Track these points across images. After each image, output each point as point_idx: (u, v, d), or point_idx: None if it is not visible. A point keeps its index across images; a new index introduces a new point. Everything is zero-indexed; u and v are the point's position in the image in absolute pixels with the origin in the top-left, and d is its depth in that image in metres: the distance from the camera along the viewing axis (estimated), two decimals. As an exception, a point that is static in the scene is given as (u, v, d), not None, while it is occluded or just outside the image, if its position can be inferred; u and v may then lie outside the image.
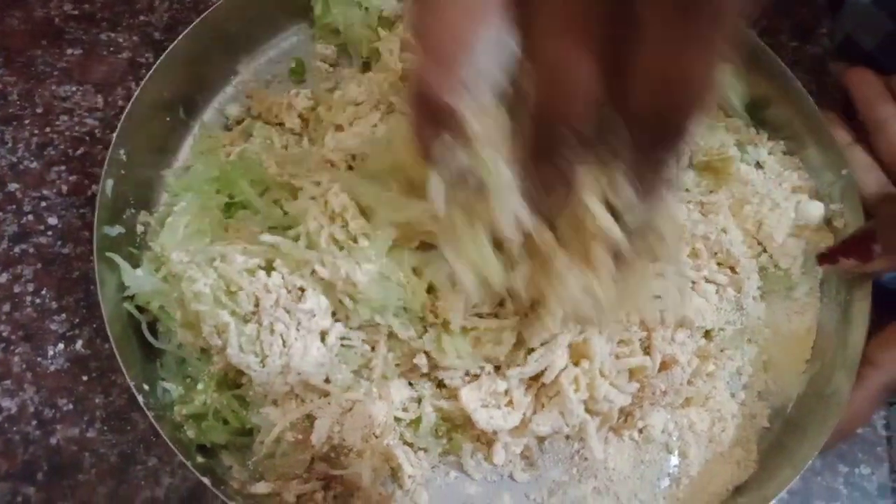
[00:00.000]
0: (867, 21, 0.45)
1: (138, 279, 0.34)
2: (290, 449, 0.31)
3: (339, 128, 0.37)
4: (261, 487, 0.32)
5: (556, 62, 0.22)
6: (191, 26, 0.40)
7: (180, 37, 0.40)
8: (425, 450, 0.34)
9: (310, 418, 0.32)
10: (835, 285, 0.35)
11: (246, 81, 0.43)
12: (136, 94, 0.38)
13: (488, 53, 0.23)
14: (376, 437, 0.31)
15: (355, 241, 0.31)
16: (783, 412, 0.35)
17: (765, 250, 0.36)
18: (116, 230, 0.36)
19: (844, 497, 0.35)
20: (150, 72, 0.39)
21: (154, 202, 0.39)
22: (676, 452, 0.34)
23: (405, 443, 0.34)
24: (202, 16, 0.40)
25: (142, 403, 0.32)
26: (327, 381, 0.32)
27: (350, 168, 0.36)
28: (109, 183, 0.36)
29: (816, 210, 0.36)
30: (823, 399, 0.32)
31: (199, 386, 0.33)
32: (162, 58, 0.39)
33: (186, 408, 0.33)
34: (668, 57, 0.21)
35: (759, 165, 0.37)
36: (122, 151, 0.37)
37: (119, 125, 0.37)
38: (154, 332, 0.35)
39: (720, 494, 0.33)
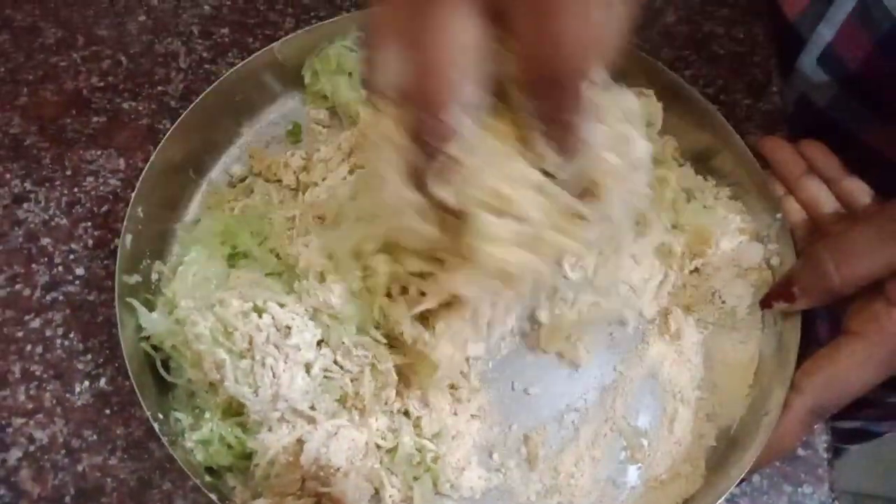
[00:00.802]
0: (816, 83, 0.49)
1: (153, 321, 0.38)
2: (283, 469, 0.35)
3: (315, 184, 0.42)
4: (260, 503, 0.35)
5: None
6: (200, 96, 0.45)
7: (191, 105, 0.44)
8: (403, 474, 0.37)
9: (300, 442, 0.35)
10: (772, 317, 0.39)
11: (248, 143, 0.48)
12: (151, 158, 0.42)
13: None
14: (360, 459, 0.35)
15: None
16: (728, 432, 0.38)
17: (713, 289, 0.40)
18: (134, 278, 0.41)
19: None
20: (164, 139, 0.43)
21: (167, 252, 0.43)
22: (637, 465, 0.38)
23: (386, 467, 0.37)
24: (211, 86, 0.45)
25: (157, 431, 0.36)
26: (312, 408, 0.36)
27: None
28: (129, 237, 0.40)
29: (756, 252, 0.39)
30: (759, 419, 0.36)
31: (207, 415, 0.36)
32: (174, 125, 0.44)
33: (196, 434, 0.37)
34: (539, 23, 0.23)
35: (706, 208, 0.42)
36: (139, 209, 0.41)
37: (137, 185, 0.42)
38: (167, 368, 0.39)
39: (671, 504, 0.36)
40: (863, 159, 0.43)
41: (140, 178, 0.42)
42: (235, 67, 0.46)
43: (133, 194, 0.42)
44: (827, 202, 0.40)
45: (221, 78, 0.46)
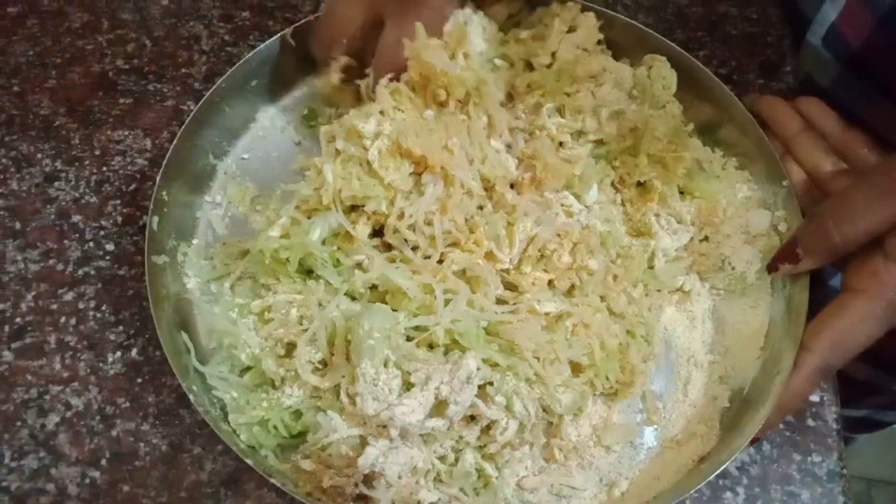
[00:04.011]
0: (820, 62, 0.50)
1: (214, 317, 0.40)
2: (335, 452, 0.36)
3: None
4: (306, 465, 0.36)
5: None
6: (222, 78, 0.46)
7: (213, 87, 0.46)
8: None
9: (364, 444, 0.36)
10: (781, 281, 0.40)
11: (262, 129, 0.49)
12: (174, 143, 0.44)
13: None
14: (408, 476, 0.35)
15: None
16: (740, 393, 0.39)
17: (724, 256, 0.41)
18: (162, 259, 0.42)
19: (797, 481, 0.39)
20: (185, 123, 0.44)
21: (190, 235, 0.45)
22: (654, 427, 0.39)
23: (439, 479, 0.37)
24: (231, 70, 0.46)
25: (193, 402, 0.37)
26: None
27: None
28: (155, 219, 0.42)
29: (763, 218, 0.40)
30: (771, 379, 0.37)
31: (264, 404, 0.38)
32: (198, 106, 0.45)
33: (242, 418, 0.38)
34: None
35: (716, 177, 0.43)
36: (164, 193, 0.43)
37: (160, 171, 0.43)
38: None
39: (687, 465, 0.37)
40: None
41: (163, 164, 0.43)
42: (255, 50, 0.47)
43: (157, 179, 0.43)
44: (824, 159, 0.41)
45: (240, 62, 0.47)
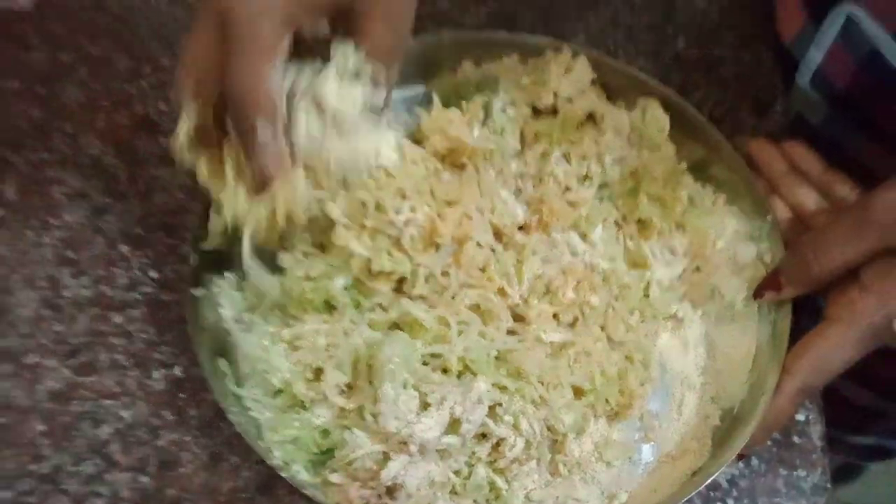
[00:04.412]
0: (809, 102, 0.53)
1: (248, 345, 0.43)
2: (362, 472, 0.39)
3: None
4: (335, 478, 0.39)
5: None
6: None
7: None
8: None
9: (386, 458, 0.39)
10: (766, 308, 0.44)
11: None
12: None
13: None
14: (426, 488, 0.39)
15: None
16: (731, 412, 0.42)
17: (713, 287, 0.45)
18: (201, 292, 0.45)
19: (783, 494, 0.42)
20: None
21: (224, 270, 0.47)
22: (651, 444, 0.43)
23: (454, 491, 0.40)
24: None
25: (232, 421, 0.40)
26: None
27: None
28: (194, 256, 0.45)
29: (750, 250, 0.44)
30: (758, 399, 0.40)
31: (296, 423, 0.41)
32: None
33: (275, 436, 0.41)
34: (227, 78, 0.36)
35: (707, 212, 0.47)
36: (200, 234, 0.45)
37: (199, 215, 0.46)
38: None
39: (681, 478, 0.41)
40: (855, 175, 0.46)
41: (201, 208, 0.46)
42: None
43: (196, 221, 0.46)
44: (808, 197, 0.44)
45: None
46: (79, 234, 0.52)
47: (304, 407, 0.43)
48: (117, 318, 0.49)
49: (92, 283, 0.50)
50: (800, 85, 0.53)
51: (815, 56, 0.50)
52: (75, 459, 0.44)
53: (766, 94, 0.58)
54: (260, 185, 0.38)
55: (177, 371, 0.47)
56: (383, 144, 0.42)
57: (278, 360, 0.43)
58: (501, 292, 0.43)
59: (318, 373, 0.42)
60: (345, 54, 0.38)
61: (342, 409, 0.42)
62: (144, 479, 0.43)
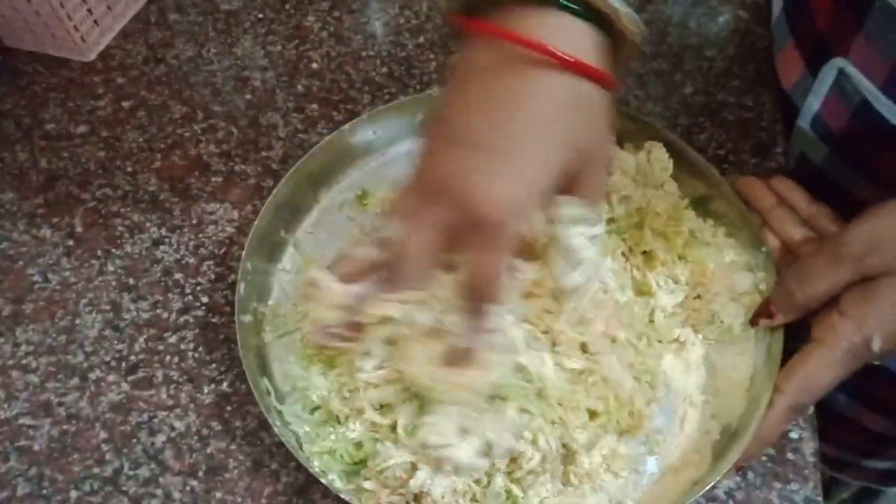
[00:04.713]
0: (810, 143, 0.56)
1: (290, 365, 0.47)
2: (392, 480, 0.43)
3: None
4: (368, 485, 0.43)
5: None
6: (291, 170, 0.55)
7: (284, 178, 0.54)
8: None
9: (414, 468, 0.42)
10: (762, 332, 0.47)
11: (324, 207, 0.57)
12: (255, 224, 0.52)
13: None
14: (451, 495, 0.42)
15: None
16: (729, 428, 0.45)
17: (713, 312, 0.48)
18: (248, 318, 0.50)
19: None
20: (266, 201, 0.53)
21: (267, 297, 0.53)
22: (655, 457, 0.46)
23: (474, 499, 0.44)
24: (297, 162, 0.55)
25: (277, 433, 0.44)
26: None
27: None
28: (242, 286, 0.50)
29: (747, 279, 0.48)
30: (754, 416, 0.44)
31: (332, 436, 0.45)
32: (277, 185, 0.54)
33: (315, 447, 0.45)
34: (464, 265, 0.37)
35: (707, 244, 0.51)
36: (248, 264, 0.51)
37: (245, 247, 0.51)
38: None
39: (683, 488, 0.44)
40: (856, 210, 0.48)
41: (247, 241, 0.51)
42: (319, 144, 0.56)
43: (243, 253, 0.51)
44: (794, 229, 0.48)
45: (308, 153, 0.56)
46: (138, 263, 0.57)
47: (338, 421, 0.47)
48: (171, 339, 0.54)
49: (149, 307, 0.55)
50: (801, 128, 0.56)
51: (813, 103, 0.54)
52: (133, 464, 0.49)
53: (767, 137, 0.62)
54: (458, 361, 0.40)
55: (224, 386, 0.52)
56: (602, 267, 0.48)
57: (316, 378, 0.47)
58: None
59: (354, 391, 0.46)
60: (572, 208, 0.41)
61: (374, 424, 0.46)
62: (194, 483, 0.48)
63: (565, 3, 0.35)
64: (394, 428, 0.45)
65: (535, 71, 0.35)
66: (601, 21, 0.36)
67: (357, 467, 0.46)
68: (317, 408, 0.48)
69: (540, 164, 0.36)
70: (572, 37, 0.35)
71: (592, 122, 0.38)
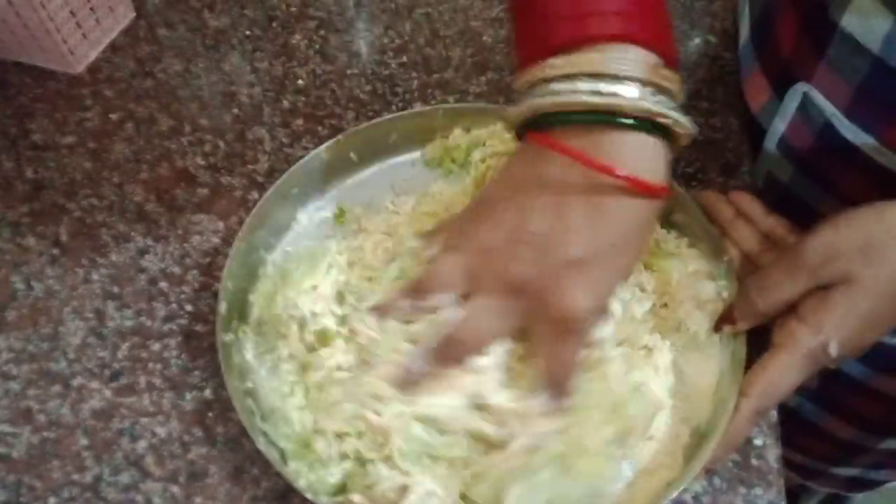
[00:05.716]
0: (777, 163, 0.59)
1: (268, 392, 0.47)
2: (381, 499, 0.42)
3: None
4: (356, 498, 0.43)
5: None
6: (269, 191, 0.54)
7: (270, 190, 0.54)
8: None
9: (405, 489, 0.42)
10: (726, 338, 0.49)
11: (304, 227, 0.57)
12: (234, 245, 0.51)
13: None
14: None
15: None
16: (698, 431, 0.47)
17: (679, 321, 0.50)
18: (229, 336, 0.49)
19: None
20: (243, 226, 0.52)
21: (248, 315, 0.51)
22: (629, 461, 0.47)
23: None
24: (276, 183, 0.55)
25: (255, 440, 0.44)
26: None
27: None
28: (223, 305, 0.49)
29: (710, 288, 0.50)
30: (721, 419, 0.45)
31: (312, 476, 0.44)
32: (261, 199, 0.54)
33: (300, 463, 0.44)
34: (546, 356, 0.43)
35: (671, 255, 0.53)
36: (228, 283, 0.50)
37: (225, 269, 0.50)
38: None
39: (656, 490, 0.45)
40: None
41: (227, 262, 0.51)
42: (298, 162, 0.56)
43: (223, 272, 0.51)
44: (752, 238, 0.50)
45: (287, 172, 0.56)
46: (123, 272, 0.58)
47: (321, 463, 0.45)
48: (155, 346, 0.55)
49: (133, 315, 0.56)
50: (768, 149, 0.59)
51: (780, 125, 0.56)
52: (114, 470, 0.49)
53: (734, 157, 0.65)
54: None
55: (206, 393, 0.52)
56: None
57: (294, 412, 0.46)
58: None
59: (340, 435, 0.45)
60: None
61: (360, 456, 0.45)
62: (175, 489, 0.48)
63: (635, 123, 0.39)
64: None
65: (614, 194, 0.40)
66: (664, 133, 0.40)
67: (345, 483, 0.45)
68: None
69: (622, 276, 0.45)
70: (642, 154, 0.40)
71: (652, 230, 0.46)
